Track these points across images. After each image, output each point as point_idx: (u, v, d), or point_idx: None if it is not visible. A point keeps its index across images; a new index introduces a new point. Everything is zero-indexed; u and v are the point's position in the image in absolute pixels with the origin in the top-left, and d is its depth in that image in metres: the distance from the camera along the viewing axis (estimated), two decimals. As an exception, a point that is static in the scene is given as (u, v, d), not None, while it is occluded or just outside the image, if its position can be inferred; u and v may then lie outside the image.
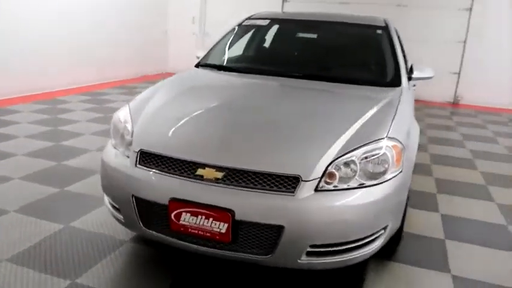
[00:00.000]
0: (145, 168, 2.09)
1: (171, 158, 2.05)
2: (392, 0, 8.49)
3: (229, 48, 3.56)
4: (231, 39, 3.60)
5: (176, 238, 2.04)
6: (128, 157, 2.18)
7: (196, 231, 1.95)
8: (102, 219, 2.83)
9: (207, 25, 10.02)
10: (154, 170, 2.06)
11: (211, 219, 1.90)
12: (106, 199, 2.39)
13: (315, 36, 3.52)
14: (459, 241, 2.86)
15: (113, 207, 2.28)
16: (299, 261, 1.94)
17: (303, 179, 1.89)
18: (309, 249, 1.91)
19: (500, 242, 2.89)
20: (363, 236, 1.98)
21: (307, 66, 3.21)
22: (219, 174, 1.94)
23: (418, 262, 2.56)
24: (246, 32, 3.70)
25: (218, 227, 1.91)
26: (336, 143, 2.03)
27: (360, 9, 8.55)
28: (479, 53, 8.10)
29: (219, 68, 3.30)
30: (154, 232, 2.10)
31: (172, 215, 1.96)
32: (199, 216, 1.92)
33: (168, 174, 2.02)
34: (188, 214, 1.93)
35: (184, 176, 2.00)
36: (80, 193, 3.22)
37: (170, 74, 3.38)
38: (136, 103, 2.54)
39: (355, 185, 1.95)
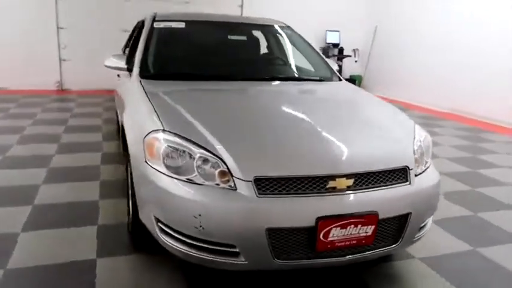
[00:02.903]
0: (270, 195, 1.88)
1: (295, 177, 1.92)
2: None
3: (162, 54, 3.19)
4: (155, 43, 3.22)
5: (321, 258, 1.96)
6: (234, 189, 1.88)
7: (343, 243, 1.95)
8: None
9: None
10: (285, 195, 1.89)
11: (359, 226, 1.94)
12: (187, 249, 1.96)
13: (244, 38, 3.54)
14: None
15: (219, 252, 1.92)
16: (413, 240, 2.22)
17: (409, 168, 2.15)
18: (420, 225, 2.22)
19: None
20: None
21: (265, 68, 3.27)
22: (350, 182, 1.98)
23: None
24: (166, 36, 3.35)
25: (365, 231, 1.97)
26: (404, 133, 2.36)
27: (145, 5, 8.44)
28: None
29: (178, 77, 2.95)
30: (292, 261, 1.93)
31: (321, 235, 1.89)
32: (349, 227, 1.93)
33: (302, 195, 1.90)
34: (338, 228, 1.91)
35: (316, 192, 1.93)
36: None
37: None
38: (177, 127, 2.12)
39: (425, 166, 2.34)
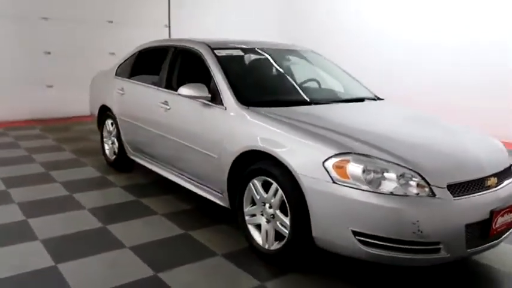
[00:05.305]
0: (461, 197, 2.32)
1: (470, 181, 2.40)
2: (102, 16, 8.31)
3: (249, 82, 3.34)
4: (234, 72, 3.32)
5: (491, 242, 2.46)
6: (433, 195, 2.26)
7: (501, 228, 2.48)
8: None
9: None
10: (467, 196, 2.34)
11: (509, 213, 2.50)
12: (393, 253, 2.27)
13: (300, 63, 3.84)
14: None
15: (422, 251, 2.28)
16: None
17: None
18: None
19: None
20: None
21: (334, 92, 3.63)
22: (496, 180, 2.53)
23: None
24: (236, 63, 3.45)
25: (510, 218, 2.53)
26: (487, 138, 3.01)
27: (66, 26, 7.88)
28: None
29: (274, 103, 3.10)
30: (475, 248, 2.39)
31: (493, 224, 2.39)
32: (506, 215, 2.47)
33: (477, 194, 2.38)
34: (501, 217, 2.43)
35: (483, 190, 2.43)
36: None
37: None
38: (355, 147, 2.44)
39: None
